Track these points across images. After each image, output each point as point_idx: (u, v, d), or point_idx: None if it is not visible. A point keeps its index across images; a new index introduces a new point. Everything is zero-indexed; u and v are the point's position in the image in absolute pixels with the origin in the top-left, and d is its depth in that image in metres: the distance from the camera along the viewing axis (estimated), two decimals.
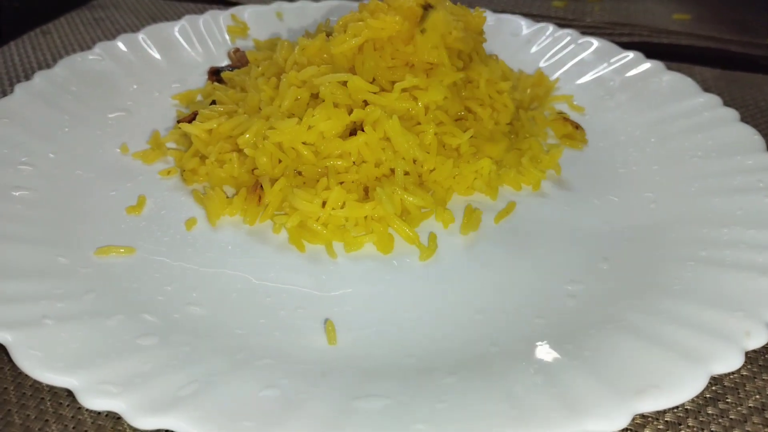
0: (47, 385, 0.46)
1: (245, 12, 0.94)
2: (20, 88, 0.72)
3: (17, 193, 0.60)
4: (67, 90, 0.75)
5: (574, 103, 0.81)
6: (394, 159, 0.61)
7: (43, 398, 0.46)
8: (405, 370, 0.47)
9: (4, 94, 0.83)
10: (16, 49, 0.94)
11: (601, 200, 0.66)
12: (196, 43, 0.88)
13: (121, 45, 0.83)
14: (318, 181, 0.61)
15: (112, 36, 0.99)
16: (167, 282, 0.54)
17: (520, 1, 1.16)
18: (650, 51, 1.00)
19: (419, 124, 0.64)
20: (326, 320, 0.51)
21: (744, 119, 0.82)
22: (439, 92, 0.63)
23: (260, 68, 0.71)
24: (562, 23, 1.07)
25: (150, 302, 0.52)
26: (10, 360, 0.43)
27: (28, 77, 0.86)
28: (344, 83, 0.62)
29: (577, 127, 0.75)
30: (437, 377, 0.45)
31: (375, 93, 0.62)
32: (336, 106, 0.62)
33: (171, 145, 0.72)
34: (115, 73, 0.80)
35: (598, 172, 0.70)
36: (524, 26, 0.93)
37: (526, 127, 0.73)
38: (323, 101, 0.61)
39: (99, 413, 0.45)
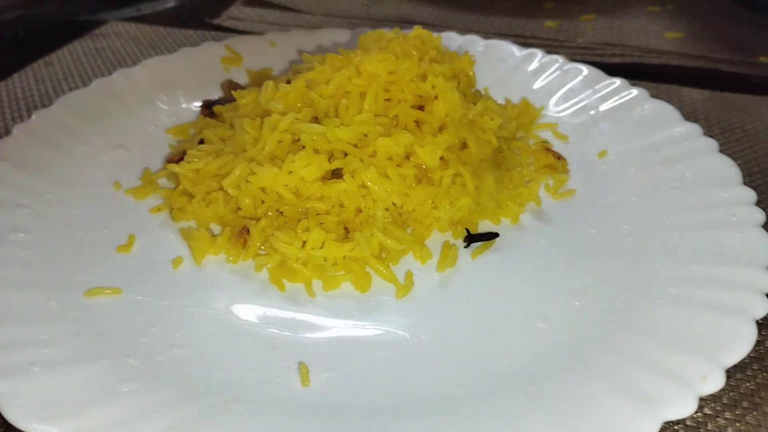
0: None
1: (240, 42, 0.96)
2: (18, 129, 0.75)
3: (12, 237, 0.63)
4: (64, 128, 0.78)
5: (559, 130, 0.82)
6: (373, 207, 0.63)
7: None
8: (376, 413, 0.48)
9: (6, 129, 0.86)
10: (20, 81, 0.98)
11: (579, 233, 0.67)
12: (190, 75, 0.91)
13: (117, 80, 0.86)
14: (299, 221, 0.63)
15: (112, 66, 1.03)
16: (152, 323, 0.57)
17: (513, 23, 1.17)
18: (641, 71, 1.02)
19: (399, 166, 0.65)
20: (300, 362, 0.53)
21: (729, 143, 0.83)
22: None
23: (246, 108, 0.73)
24: (553, 45, 1.09)
25: (134, 345, 0.54)
26: None
27: (29, 111, 0.90)
28: None
29: (558, 157, 0.76)
30: (404, 421, 0.47)
31: (354, 145, 0.64)
32: (317, 152, 0.64)
33: (163, 181, 0.74)
34: (111, 108, 0.83)
35: (577, 204, 0.71)
36: (513, 52, 0.94)
37: (509, 158, 0.75)
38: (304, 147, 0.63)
39: None
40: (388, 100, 0.68)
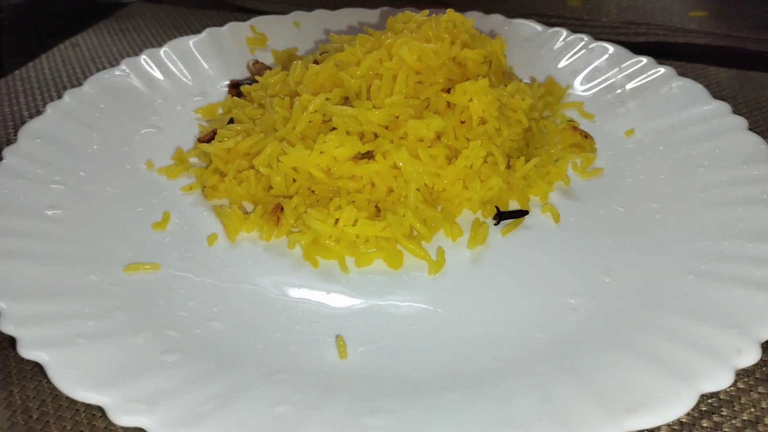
0: None
1: (263, 22, 0.97)
2: (51, 108, 0.76)
3: (50, 212, 0.64)
4: (95, 107, 0.79)
5: (585, 110, 0.82)
6: (404, 187, 0.63)
7: (78, 410, 0.50)
8: (410, 385, 0.49)
9: (37, 108, 0.87)
10: (47, 62, 0.99)
11: (607, 210, 0.67)
12: (216, 55, 0.91)
13: (145, 60, 0.87)
14: (331, 199, 0.64)
15: (137, 46, 1.03)
16: (190, 297, 0.58)
17: (537, 1, 1.17)
18: (666, 50, 1.01)
19: (430, 146, 0.66)
20: (337, 335, 0.54)
21: (756, 121, 0.83)
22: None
23: (274, 87, 0.74)
24: (577, 24, 1.08)
25: (174, 318, 0.55)
26: (47, 375, 0.47)
27: (59, 91, 0.91)
28: None
29: (586, 136, 0.76)
30: (440, 393, 0.48)
31: (385, 127, 0.65)
32: (349, 133, 0.64)
33: (194, 159, 0.75)
34: (140, 88, 0.84)
35: (605, 182, 0.72)
36: (537, 31, 0.94)
37: (537, 137, 0.75)
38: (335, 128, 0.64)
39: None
40: (419, 82, 0.69)
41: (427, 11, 0.75)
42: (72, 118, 0.76)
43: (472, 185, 0.66)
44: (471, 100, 0.67)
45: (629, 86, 0.83)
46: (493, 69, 0.75)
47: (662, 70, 0.82)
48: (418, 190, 0.65)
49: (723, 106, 0.75)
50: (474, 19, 0.78)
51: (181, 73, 0.88)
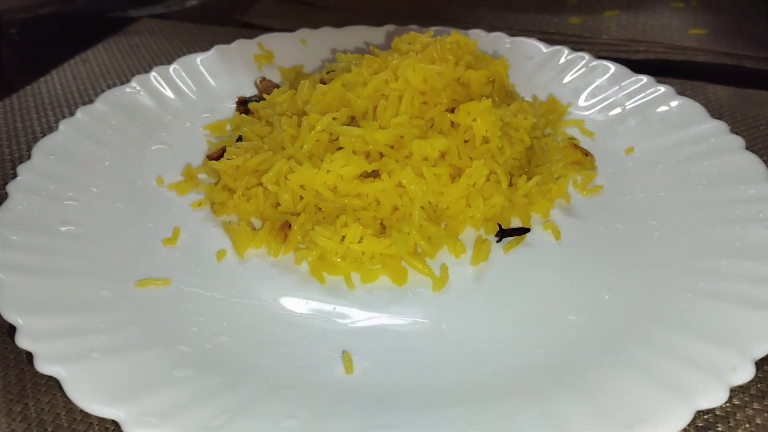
0: None
1: (271, 40, 0.99)
2: (64, 124, 0.78)
3: (64, 229, 0.65)
4: (107, 124, 0.80)
5: (586, 127, 0.84)
6: (409, 205, 0.65)
7: (92, 423, 0.52)
8: (415, 400, 0.51)
9: (49, 124, 0.89)
10: (58, 78, 1.01)
11: (607, 228, 0.69)
12: (225, 72, 0.93)
13: (155, 78, 0.89)
14: (337, 216, 0.65)
15: (146, 62, 1.05)
16: (200, 313, 0.59)
17: (538, 18, 1.19)
18: (666, 68, 1.03)
19: (434, 165, 0.68)
20: (344, 351, 0.55)
21: (754, 139, 0.85)
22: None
23: (282, 106, 0.76)
24: (578, 41, 1.10)
25: (184, 333, 0.57)
26: (61, 388, 0.48)
27: (70, 107, 0.93)
28: None
29: (586, 153, 0.78)
30: (444, 407, 0.50)
31: (391, 146, 0.66)
32: (355, 152, 0.66)
33: (203, 176, 0.77)
34: (150, 105, 0.86)
35: (605, 199, 0.73)
36: (539, 49, 0.96)
37: (539, 155, 0.77)
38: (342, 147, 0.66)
39: None
40: (424, 103, 0.70)
41: (432, 32, 0.77)
42: (84, 134, 0.78)
43: (475, 203, 0.67)
44: (474, 119, 0.69)
45: (629, 105, 0.85)
46: (496, 89, 0.77)
47: (662, 89, 0.84)
48: (422, 208, 0.67)
49: (721, 126, 0.76)
50: (478, 40, 0.80)
51: (190, 90, 0.90)
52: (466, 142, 0.70)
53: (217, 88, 0.91)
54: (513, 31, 1.09)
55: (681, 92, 0.91)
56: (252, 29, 1.15)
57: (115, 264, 0.63)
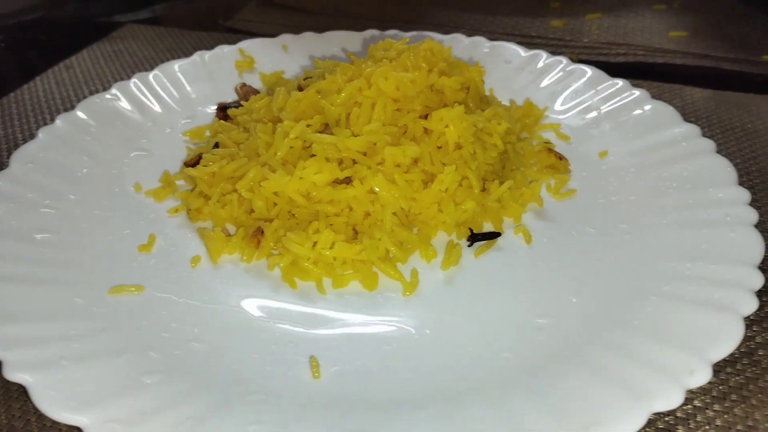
0: None
1: (252, 45, 0.99)
2: (43, 132, 0.79)
3: (39, 236, 0.66)
4: (86, 131, 0.81)
5: (561, 131, 0.85)
6: (381, 211, 0.66)
7: (61, 430, 0.52)
8: (381, 404, 0.52)
9: (30, 131, 0.90)
10: (41, 84, 1.01)
11: (579, 232, 0.70)
12: (206, 78, 0.94)
13: (135, 84, 0.89)
14: (310, 222, 0.66)
15: (129, 68, 1.06)
16: (172, 319, 0.60)
17: (520, 22, 1.19)
18: (646, 71, 1.04)
19: (407, 172, 0.68)
20: (311, 356, 0.56)
21: (728, 142, 0.86)
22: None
23: (259, 112, 0.76)
24: (559, 44, 1.11)
25: (156, 339, 0.57)
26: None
27: (52, 113, 0.94)
28: None
29: (560, 157, 0.79)
30: (410, 411, 0.51)
31: (363, 153, 0.67)
32: (328, 159, 0.67)
33: (181, 182, 0.78)
34: (130, 112, 0.87)
35: (578, 203, 0.74)
36: (518, 53, 0.97)
37: (513, 159, 0.78)
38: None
39: None
40: (398, 110, 0.71)
41: (407, 39, 0.78)
42: (63, 142, 0.79)
43: (446, 208, 0.68)
44: (447, 126, 0.70)
45: (604, 108, 0.85)
46: (471, 95, 0.77)
47: (636, 92, 0.85)
48: (394, 214, 0.67)
49: (693, 129, 0.77)
50: (452, 46, 0.80)
51: (171, 96, 0.90)
52: (439, 148, 0.71)
53: (198, 94, 0.92)
54: (495, 35, 1.10)
55: (658, 95, 0.93)
56: (236, 34, 1.16)
57: (90, 271, 0.64)
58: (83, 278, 0.63)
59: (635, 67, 1.05)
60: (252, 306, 0.62)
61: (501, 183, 0.72)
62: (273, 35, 1.03)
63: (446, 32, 1.01)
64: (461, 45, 0.99)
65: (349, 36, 1.02)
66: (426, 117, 0.71)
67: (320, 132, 0.70)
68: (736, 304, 0.55)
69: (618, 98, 0.85)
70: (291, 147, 0.69)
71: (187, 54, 0.99)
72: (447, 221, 0.68)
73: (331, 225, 0.66)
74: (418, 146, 0.68)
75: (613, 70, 0.91)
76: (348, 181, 0.68)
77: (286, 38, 1.01)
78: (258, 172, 0.69)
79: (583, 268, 0.65)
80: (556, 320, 0.59)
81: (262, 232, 0.66)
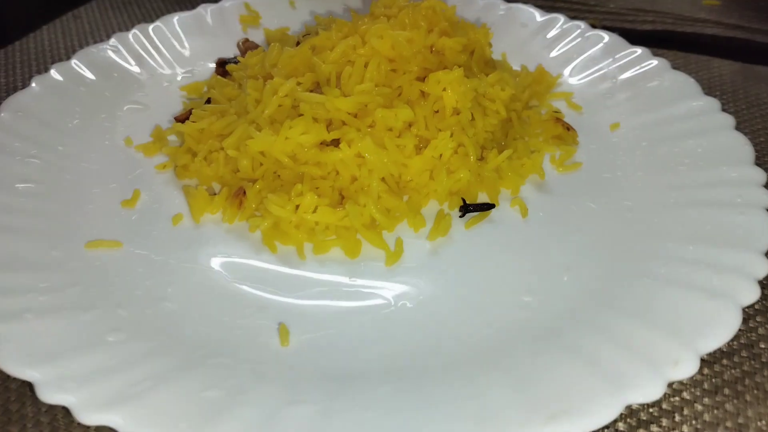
0: None
1: (259, 1, 0.96)
2: (37, 81, 0.77)
3: (21, 186, 0.65)
4: (81, 83, 0.80)
5: (573, 101, 0.80)
6: (368, 176, 0.63)
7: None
8: (345, 376, 0.50)
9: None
10: (47, 34, 1.00)
11: (579, 207, 0.66)
12: (209, 32, 0.91)
13: (135, 36, 0.87)
14: (295, 184, 0.64)
15: (137, 21, 1.04)
16: (148, 277, 0.59)
17: None
18: (673, 40, 0.98)
19: (399, 136, 0.65)
20: (280, 323, 0.54)
21: (754, 118, 0.80)
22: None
23: (253, 68, 0.74)
24: (582, 9, 1.05)
25: (127, 297, 0.56)
26: None
27: (55, 63, 0.92)
28: None
29: (568, 128, 0.74)
30: (373, 386, 0.48)
31: (355, 115, 0.64)
32: (316, 120, 0.64)
33: (173, 138, 0.76)
34: (128, 64, 0.84)
35: (582, 176, 0.70)
36: (535, 16, 0.92)
37: (516, 128, 0.74)
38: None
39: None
40: (393, 70, 0.68)
41: None
42: (56, 92, 0.77)
43: (438, 176, 0.65)
44: (445, 89, 0.66)
45: (621, 78, 0.80)
46: (475, 58, 0.73)
47: (655, 62, 0.79)
48: (383, 180, 0.64)
49: (712, 103, 0.72)
50: (465, 7, 0.76)
51: (171, 49, 0.88)
52: (436, 112, 0.68)
53: (200, 48, 0.89)
54: None
55: (684, 66, 0.87)
56: None
57: (70, 224, 0.63)
58: (62, 231, 0.62)
59: (663, 36, 0.99)
60: (229, 268, 0.60)
61: (501, 152, 0.68)
62: None
63: None
64: (475, 6, 0.94)
65: None
66: (424, 80, 0.67)
67: (311, 91, 0.67)
68: (735, 292, 0.51)
69: (636, 67, 0.80)
70: (280, 105, 0.66)
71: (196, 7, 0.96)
72: (438, 190, 0.65)
73: (317, 188, 0.64)
74: (411, 110, 0.65)
75: (640, 38, 0.86)
76: (337, 143, 0.65)
77: None
78: (245, 130, 0.66)
79: (579, 245, 0.61)
80: (543, 298, 0.56)
81: (245, 192, 0.64)
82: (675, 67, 0.80)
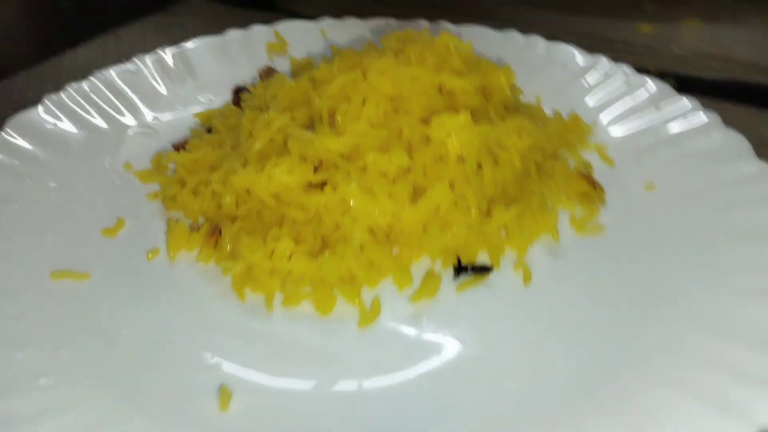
0: None
1: (290, 29, 0.93)
2: (49, 100, 0.76)
3: (6, 208, 0.63)
4: (92, 102, 0.78)
5: (608, 153, 0.72)
6: (351, 225, 0.57)
7: None
8: None
9: None
10: (85, 52, 1.00)
11: (593, 278, 0.58)
12: (234, 58, 0.89)
13: (158, 58, 0.86)
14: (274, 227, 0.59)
15: (175, 43, 1.03)
16: (105, 315, 0.55)
17: (602, 24, 1.05)
18: (740, 91, 0.87)
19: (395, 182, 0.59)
20: (222, 384, 0.49)
21: None
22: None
23: (258, 99, 0.70)
24: (644, 53, 0.97)
25: (75, 336, 0.52)
26: None
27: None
28: None
29: (594, 185, 0.66)
30: None
31: (345, 157, 0.59)
32: (304, 159, 0.59)
33: (173, 165, 0.73)
34: (147, 85, 0.83)
35: (604, 242, 0.61)
36: (576, 57, 0.84)
37: (534, 181, 0.66)
38: None
39: None
40: (395, 110, 0.62)
41: (427, 28, 0.68)
42: (65, 111, 0.76)
43: (430, 230, 0.58)
44: (449, 135, 0.60)
45: (663, 131, 0.71)
46: (493, 101, 0.67)
47: (705, 116, 0.70)
48: (371, 230, 0.58)
49: (765, 169, 0.62)
50: (504, 41, 0.70)
51: (192, 74, 0.86)
52: (440, 159, 0.61)
53: (222, 74, 0.87)
54: (571, 35, 0.97)
55: (745, 122, 0.77)
56: (293, 16, 1.10)
57: (42, 249, 0.60)
58: (32, 255, 0.59)
59: (728, 87, 0.88)
60: (190, 314, 0.55)
61: (508, 207, 0.61)
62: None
63: (499, 27, 0.90)
64: (514, 43, 0.87)
65: (396, 24, 0.93)
66: (429, 122, 0.61)
67: (307, 127, 0.62)
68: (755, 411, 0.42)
69: (681, 121, 0.71)
70: (272, 140, 0.62)
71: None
72: (429, 245, 0.58)
73: (299, 233, 0.58)
74: (407, 155, 0.59)
75: (701, 88, 0.77)
76: (325, 186, 0.60)
77: (327, 22, 0.94)
78: (232, 165, 0.62)
79: (582, 328, 0.53)
80: (526, 388, 0.48)
81: (220, 231, 0.60)
82: (733, 123, 0.70)
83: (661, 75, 0.81)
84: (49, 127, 0.74)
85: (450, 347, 0.52)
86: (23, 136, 0.71)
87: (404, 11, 0.99)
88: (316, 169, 0.60)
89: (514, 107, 0.69)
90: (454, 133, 0.60)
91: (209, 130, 0.72)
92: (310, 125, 0.62)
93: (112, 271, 0.59)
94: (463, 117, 0.59)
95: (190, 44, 0.89)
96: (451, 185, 0.60)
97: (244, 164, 0.61)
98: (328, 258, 0.55)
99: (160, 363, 0.51)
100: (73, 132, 0.74)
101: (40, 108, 0.75)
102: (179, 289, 0.58)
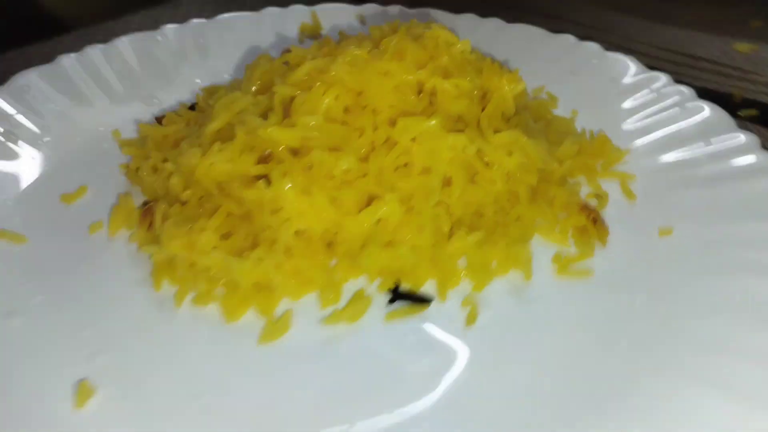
0: None
1: (328, 12, 0.88)
2: (65, 58, 0.76)
3: None
4: (113, 64, 0.77)
5: (632, 185, 0.60)
6: (279, 227, 0.51)
7: None
8: None
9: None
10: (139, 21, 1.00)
11: (552, 335, 0.48)
12: (265, 36, 0.85)
13: (188, 28, 0.83)
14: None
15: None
16: (21, 282, 0.52)
17: (694, 38, 0.90)
18: None
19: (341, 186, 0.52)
20: (81, 379, 0.44)
21: None
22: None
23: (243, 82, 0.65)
24: (732, 75, 0.82)
25: None
26: None
27: None
28: None
29: (595, 220, 0.55)
30: None
31: (294, 151, 0.52)
32: (252, 149, 0.53)
33: None
34: (169, 55, 0.81)
35: (588, 291, 0.51)
36: (630, 71, 0.71)
37: (522, 207, 0.56)
38: None
39: None
40: (364, 107, 0.55)
41: (415, 20, 0.60)
42: (76, 71, 0.75)
43: (370, 245, 0.51)
44: (414, 140, 0.52)
45: (703, 168, 0.59)
46: (488, 109, 0.57)
47: (755, 155, 0.56)
48: (307, 236, 0.52)
49: None
50: (551, 48, 0.63)
51: (216, 48, 0.83)
52: (404, 167, 0.53)
53: (251, 51, 0.83)
54: (652, 48, 0.84)
55: None
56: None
57: None
58: None
59: None
60: (92, 298, 0.51)
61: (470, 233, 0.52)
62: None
63: (555, 30, 0.79)
64: (564, 46, 0.76)
65: (441, 15, 0.85)
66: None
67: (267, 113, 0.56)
68: None
69: (729, 161, 0.58)
70: (230, 124, 0.57)
71: None
72: (365, 262, 0.51)
73: (233, 228, 0.53)
74: (360, 158, 0.51)
75: None
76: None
77: (368, 7, 0.88)
78: (190, 144, 0.58)
79: (530, 387, 0.43)
80: None
81: (153, 212, 0.56)
82: None
83: (744, 103, 0.67)
84: (78, 81, 0.73)
85: (349, 384, 0.44)
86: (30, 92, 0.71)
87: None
88: (265, 161, 0.54)
89: (514, 119, 0.59)
90: (420, 140, 0.52)
91: (192, 107, 0.68)
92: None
93: (49, 240, 0.57)
94: (432, 122, 0.51)
95: (223, 19, 0.86)
96: (407, 198, 0.52)
97: (199, 146, 0.57)
98: (238, 261, 0.49)
99: (45, 346, 0.47)
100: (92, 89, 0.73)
101: (65, 60, 0.74)
102: (102, 268, 0.54)
